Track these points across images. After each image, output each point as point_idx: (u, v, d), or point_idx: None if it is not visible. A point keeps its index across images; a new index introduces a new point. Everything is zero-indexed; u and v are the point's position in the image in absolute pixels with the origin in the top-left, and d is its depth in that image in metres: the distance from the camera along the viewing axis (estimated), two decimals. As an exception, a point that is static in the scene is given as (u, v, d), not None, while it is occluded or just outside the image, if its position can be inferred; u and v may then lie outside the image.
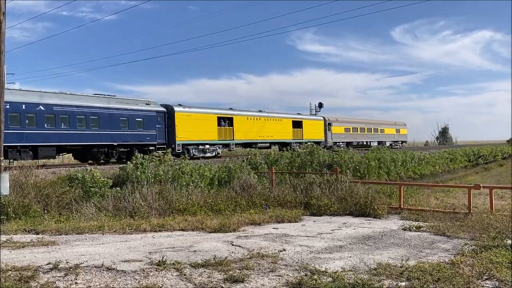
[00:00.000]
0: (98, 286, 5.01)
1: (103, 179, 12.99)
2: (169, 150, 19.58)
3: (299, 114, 40.71)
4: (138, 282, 5.13)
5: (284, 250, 6.91)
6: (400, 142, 56.11)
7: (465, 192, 11.66)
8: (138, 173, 13.51)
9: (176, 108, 27.28)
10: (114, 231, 8.97)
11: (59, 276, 5.29)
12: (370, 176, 19.73)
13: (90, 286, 5.00)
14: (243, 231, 8.95)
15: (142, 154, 15.69)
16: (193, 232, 8.93)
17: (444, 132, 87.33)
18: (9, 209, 10.53)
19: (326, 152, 20.73)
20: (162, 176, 13.41)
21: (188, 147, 27.27)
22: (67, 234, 8.67)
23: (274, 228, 9.20)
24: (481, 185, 10.77)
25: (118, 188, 12.56)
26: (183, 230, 9.11)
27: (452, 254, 6.54)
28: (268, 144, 34.16)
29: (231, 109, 32.98)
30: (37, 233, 8.77)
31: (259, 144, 33.04)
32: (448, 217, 9.92)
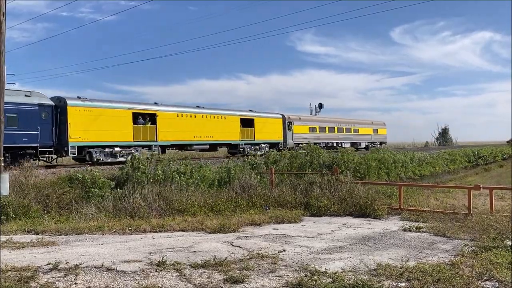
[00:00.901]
0: (98, 287, 5.00)
1: (103, 180, 12.99)
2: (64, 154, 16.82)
3: (251, 111, 34.28)
4: (138, 282, 5.13)
5: (284, 250, 6.90)
6: (378, 143, 50.08)
7: (465, 193, 11.67)
8: (138, 173, 13.52)
9: (70, 102, 21.73)
10: (114, 231, 8.97)
11: (58, 277, 5.29)
12: (370, 176, 19.73)
13: (90, 287, 5.00)
14: (243, 231, 8.95)
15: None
16: (193, 232, 8.93)
17: (444, 133, 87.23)
18: (9, 210, 10.53)
19: (326, 153, 20.70)
20: (161, 176, 13.40)
21: (90, 150, 22.09)
22: (67, 235, 8.66)
23: (274, 229, 9.20)
24: (481, 186, 10.77)
25: (117, 189, 12.58)
26: (183, 230, 9.11)
27: (452, 255, 6.53)
28: (208, 146, 29.31)
29: (155, 103, 27.04)
30: (37, 234, 8.77)
31: (195, 146, 28.31)
32: (448, 218, 9.92)
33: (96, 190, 12.37)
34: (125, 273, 5.50)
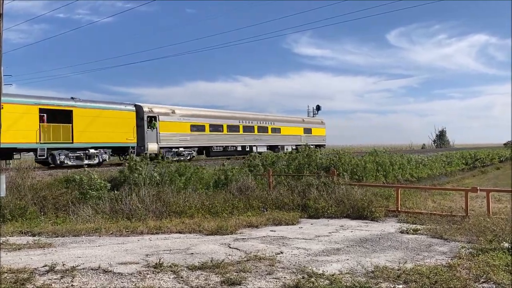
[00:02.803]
0: (95, 289, 4.98)
1: (100, 181, 12.96)
2: None
3: (72, 99, 22.33)
4: (135, 284, 5.11)
5: (282, 252, 6.90)
6: (312, 146, 32.35)
7: (462, 195, 11.68)
8: (136, 175, 13.49)
9: None
10: (111, 233, 8.94)
11: (55, 279, 5.27)
12: (368, 178, 19.73)
13: (86, 289, 4.98)
14: (240, 233, 8.95)
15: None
16: (191, 234, 8.91)
17: (441, 135, 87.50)
18: (6, 211, 10.49)
19: (323, 155, 20.68)
20: (158, 178, 13.38)
21: None
22: (63, 236, 8.64)
23: (272, 231, 9.19)
24: (478, 188, 10.80)
25: (115, 191, 12.54)
26: (180, 232, 9.09)
27: (449, 257, 6.54)
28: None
29: (72, 98, 22.06)
30: (34, 235, 8.74)
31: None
32: (445, 220, 9.93)
33: (93, 192, 12.33)
34: (122, 275, 5.48)
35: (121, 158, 23.17)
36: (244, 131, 31.89)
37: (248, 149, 30.71)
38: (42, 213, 11.17)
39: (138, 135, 23.98)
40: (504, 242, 7.13)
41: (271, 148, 33.34)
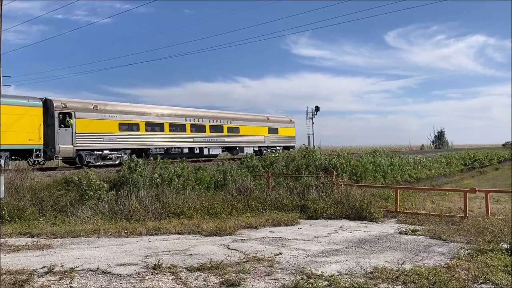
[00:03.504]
0: (93, 290, 4.98)
1: (99, 182, 12.94)
2: None
3: None
4: (134, 285, 5.11)
5: (281, 253, 6.90)
6: (279, 148, 33.62)
7: (461, 196, 11.69)
8: (135, 176, 13.48)
9: None
10: (110, 234, 8.94)
11: (54, 280, 5.27)
12: (367, 179, 19.75)
13: (85, 290, 4.97)
14: (239, 234, 8.94)
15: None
16: (189, 235, 8.91)
17: (440, 136, 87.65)
18: (4, 212, 10.48)
19: (322, 155, 20.69)
20: (158, 180, 13.37)
21: None
22: (62, 238, 8.63)
23: (271, 232, 9.19)
24: (476, 189, 10.81)
25: (114, 192, 12.53)
26: (179, 233, 9.09)
27: (448, 258, 6.54)
28: None
29: None
30: (32, 236, 8.73)
31: None
32: (444, 221, 9.94)
33: (91, 192, 12.32)
34: (120, 276, 5.48)
35: (30, 163, 19.82)
36: (192, 131, 27.49)
37: (197, 152, 27.38)
38: (40, 214, 11.16)
39: (48, 135, 20.08)
40: (502, 243, 7.14)
41: (228, 150, 30.34)
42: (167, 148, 25.61)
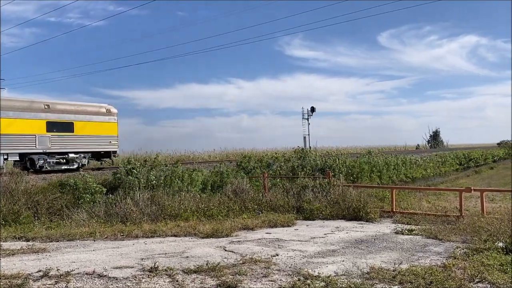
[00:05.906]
0: (89, 294, 4.95)
1: (95, 185, 12.90)
2: None
3: None
4: (130, 288, 5.08)
5: (277, 255, 6.89)
6: (82, 154, 20.70)
7: (457, 195, 11.74)
8: (131, 178, 13.44)
9: None
10: (106, 237, 8.89)
11: (49, 284, 5.23)
12: (363, 180, 19.80)
13: (81, 294, 4.94)
14: (236, 236, 8.93)
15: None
16: (186, 237, 8.88)
17: (435, 136, 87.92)
18: (-1, 216, 10.40)
19: (318, 156, 20.72)
20: (154, 182, 13.34)
21: None
22: (57, 241, 8.57)
23: (267, 233, 9.18)
24: (472, 188, 10.86)
25: (109, 194, 12.48)
26: (175, 235, 9.05)
27: (444, 257, 6.56)
28: None
29: None
30: (27, 240, 8.67)
31: None
32: (440, 220, 9.98)
33: (87, 195, 12.27)
34: (117, 279, 5.45)
35: None
36: None
37: None
38: (36, 218, 11.09)
39: None
40: (498, 242, 7.17)
41: None
42: None
